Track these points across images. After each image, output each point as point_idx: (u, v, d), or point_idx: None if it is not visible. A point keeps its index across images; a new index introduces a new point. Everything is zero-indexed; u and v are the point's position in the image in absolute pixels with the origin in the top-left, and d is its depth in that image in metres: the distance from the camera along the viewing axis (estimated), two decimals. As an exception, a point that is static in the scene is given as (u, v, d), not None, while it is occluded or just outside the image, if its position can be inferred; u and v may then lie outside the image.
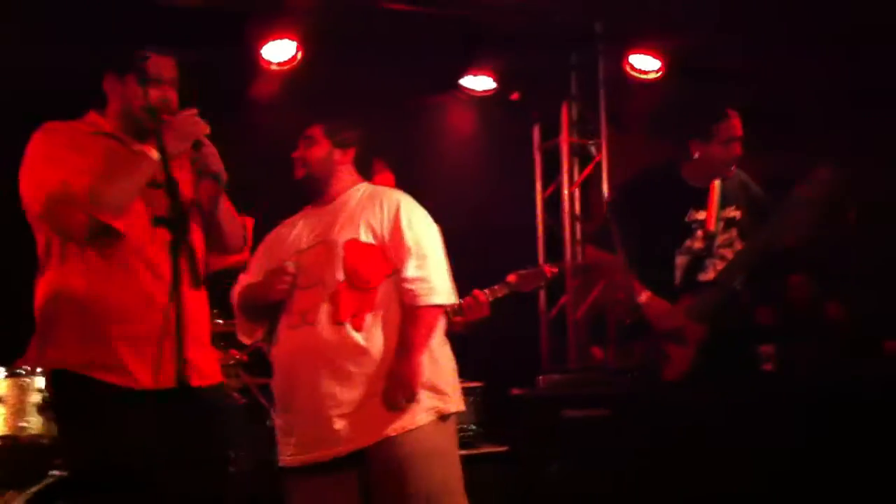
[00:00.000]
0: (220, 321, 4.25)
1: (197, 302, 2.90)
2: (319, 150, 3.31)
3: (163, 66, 2.87)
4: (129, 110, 2.84)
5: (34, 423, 3.83)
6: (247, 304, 3.29)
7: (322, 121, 3.37)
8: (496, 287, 4.02)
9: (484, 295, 3.97)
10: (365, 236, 3.18)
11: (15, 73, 4.70)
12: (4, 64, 4.67)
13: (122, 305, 2.70)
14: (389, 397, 3.06)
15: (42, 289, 2.80)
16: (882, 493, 4.20)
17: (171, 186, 2.33)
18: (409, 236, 3.17)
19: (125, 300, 2.68)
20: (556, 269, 4.26)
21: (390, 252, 3.17)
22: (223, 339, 4.41)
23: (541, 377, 5.22)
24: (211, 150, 2.80)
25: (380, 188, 3.38)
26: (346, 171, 3.34)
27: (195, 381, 2.81)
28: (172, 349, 2.70)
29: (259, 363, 4.55)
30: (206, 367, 2.92)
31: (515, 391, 5.14)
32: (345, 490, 3.11)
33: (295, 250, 3.25)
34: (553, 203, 6.60)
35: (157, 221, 2.34)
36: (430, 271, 3.18)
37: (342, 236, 3.19)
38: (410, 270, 3.14)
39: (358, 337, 3.09)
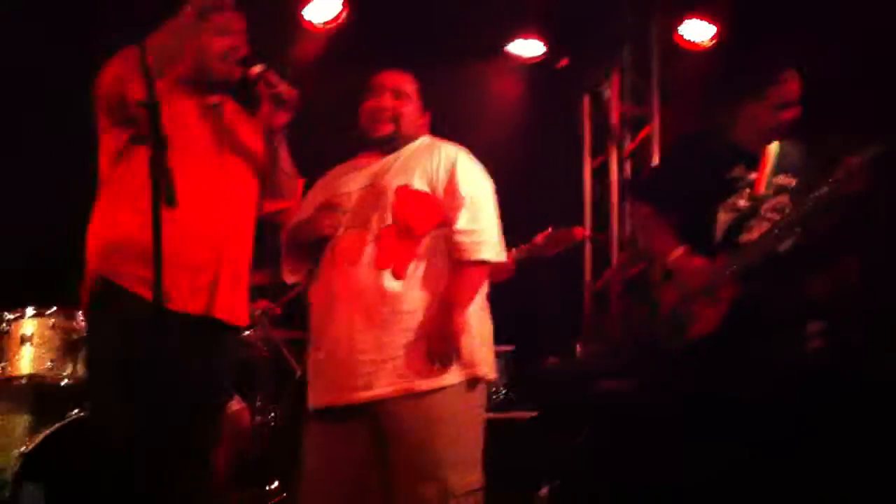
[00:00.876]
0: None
1: (241, 238, 3.07)
2: (414, 108, 3.19)
3: (231, 17, 3.04)
4: (201, 61, 3.03)
5: (59, 363, 3.86)
6: (294, 242, 3.23)
7: (414, 74, 3.23)
8: (523, 247, 3.94)
9: (510, 255, 3.88)
10: (418, 184, 3.09)
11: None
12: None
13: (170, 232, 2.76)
14: (432, 351, 2.96)
15: (101, 210, 2.99)
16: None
17: (153, 106, 2.37)
18: (464, 188, 3.07)
19: (172, 227, 2.73)
20: (587, 233, 4.15)
21: (443, 203, 3.07)
22: (253, 289, 4.35)
23: (579, 346, 5.15)
24: (279, 79, 2.98)
25: (438, 140, 3.25)
26: (424, 134, 3.24)
27: (219, 313, 2.97)
28: (210, 279, 2.94)
29: (289, 316, 4.55)
30: (236, 305, 3.05)
31: (552, 359, 5.08)
32: (356, 441, 3.02)
33: (346, 191, 3.16)
34: (603, 174, 6.47)
35: (135, 139, 2.38)
36: (482, 225, 3.08)
37: (394, 181, 3.10)
38: (462, 223, 3.05)
39: (397, 285, 3.00)
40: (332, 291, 3.07)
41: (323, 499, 3.04)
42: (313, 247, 3.16)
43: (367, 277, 3.01)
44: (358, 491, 3.02)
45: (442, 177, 3.09)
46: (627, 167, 6.40)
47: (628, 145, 6.43)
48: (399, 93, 3.16)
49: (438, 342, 2.97)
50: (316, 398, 3.09)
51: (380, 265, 3.02)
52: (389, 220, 3.05)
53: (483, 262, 3.07)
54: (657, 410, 4.10)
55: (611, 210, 6.38)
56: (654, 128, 6.32)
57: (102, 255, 2.94)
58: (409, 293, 3.01)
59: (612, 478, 4.54)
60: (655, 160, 6.26)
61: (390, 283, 3.00)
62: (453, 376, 3.01)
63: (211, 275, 2.96)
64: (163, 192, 2.19)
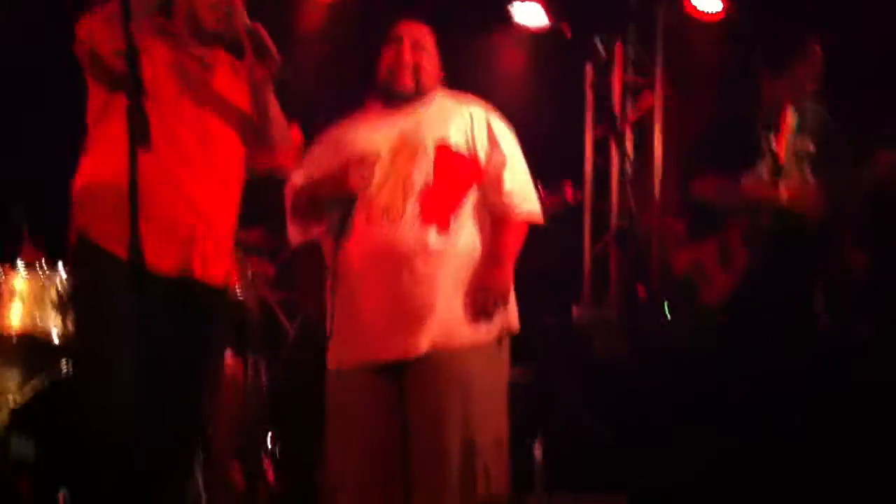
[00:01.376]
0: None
1: (223, 196, 2.96)
2: (433, 61, 3.15)
3: None
4: (192, 11, 2.94)
5: (50, 318, 3.84)
6: (307, 199, 3.16)
7: (431, 26, 3.17)
8: None
9: None
10: (455, 141, 3.07)
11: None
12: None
13: (148, 188, 2.67)
14: (487, 305, 2.99)
15: (83, 165, 2.92)
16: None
17: (130, 53, 2.32)
18: (504, 147, 3.10)
19: (146, 182, 2.64)
20: (578, 195, 4.15)
21: (483, 161, 3.08)
22: (246, 249, 4.31)
23: (575, 308, 5.14)
24: (263, 31, 2.88)
25: (461, 96, 3.21)
26: (439, 88, 3.19)
27: (199, 272, 2.87)
28: (185, 237, 2.83)
29: (283, 277, 4.53)
30: (214, 263, 2.95)
31: (548, 320, 5.06)
32: (386, 397, 3.01)
33: (373, 146, 3.08)
34: (605, 143, 6.43)
35: (115, 84, 2.35)
36: (524, 181, 3.14)
37: (431, 138, 3.07)
38: (508, 181, 3.08)
39: (441, 240, 2.99)
40: (371, 248, 3.01)
41: (350, 454, 3.03)
42: (327, 205, 3.11)
43: (411, 234, 2.98)
44: (384, 446, 3.01)
45: (480, 136, 3.09)
46: (628, 136, 6.37)
47: (630, 115, 6.39)
48: (419, 45, 3.12)
49: (494, 296, 3.00)
50: (350, 356, 3.05)
51: (424, 221, 3.00)
52: (431, 177, 3.03)
53: (528, 218, 3.13)
54: (654, 376, 4.08)
55: (611, 178, 6.36)
56: (657, 98, 6.29)
57: (79, 210, 2.88)
58: (452, 248, 3.01)
59: (607, 443, 4.53)
60: (657, 130, 6.24)
61: (435, 239, 2.99)
62: (492, 330, 3.04)
63: (186, 233, 2.86)
64: (137, 134, 2.15)
